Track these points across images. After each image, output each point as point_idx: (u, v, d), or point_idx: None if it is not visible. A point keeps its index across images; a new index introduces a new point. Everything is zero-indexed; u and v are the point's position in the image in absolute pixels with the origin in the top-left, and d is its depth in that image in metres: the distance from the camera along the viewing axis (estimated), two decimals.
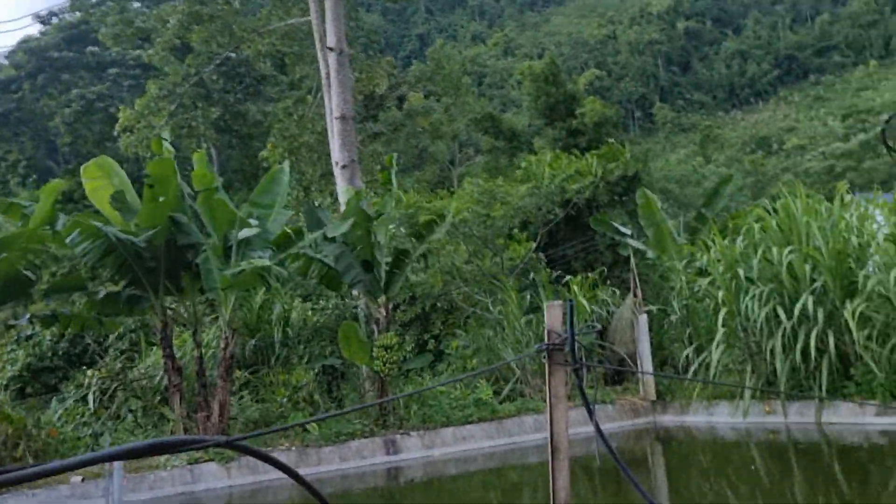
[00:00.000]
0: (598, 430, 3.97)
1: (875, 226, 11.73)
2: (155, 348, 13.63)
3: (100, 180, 10.18)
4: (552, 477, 3.79)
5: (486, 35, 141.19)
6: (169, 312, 10.97)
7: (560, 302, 3.92)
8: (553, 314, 3.88)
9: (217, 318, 12.35)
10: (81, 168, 10.64)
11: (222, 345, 10.57)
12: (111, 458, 1.15)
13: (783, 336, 10.88)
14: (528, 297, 14.22)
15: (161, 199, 9.38)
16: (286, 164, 12.43)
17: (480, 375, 12.60)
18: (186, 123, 24.00)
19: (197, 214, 10.49)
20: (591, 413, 3.87)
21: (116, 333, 17.01)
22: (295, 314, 14.59)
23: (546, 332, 3.88)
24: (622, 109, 79.04)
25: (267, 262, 9.72)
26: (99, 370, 12.68)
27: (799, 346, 10.65)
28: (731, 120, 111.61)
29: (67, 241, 9.46)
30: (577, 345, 3.95)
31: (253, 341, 13.43)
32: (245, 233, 10.17)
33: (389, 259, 12.09)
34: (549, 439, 3.82)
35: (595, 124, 31.66)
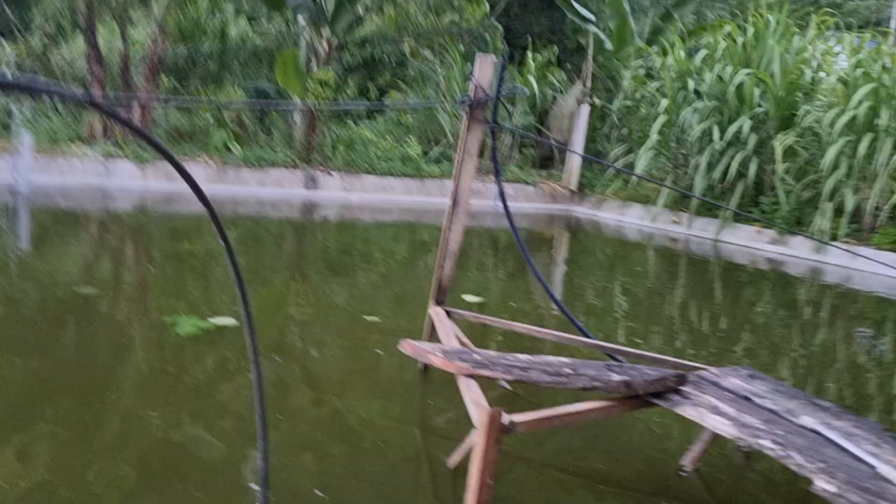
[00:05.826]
0: (502, 193, 4.05)
1: (836, 66, 11.62)
2: (81, 35, 12.82)
3: None
4: (447, 227, 3.88)
5: None
6: None
7: (493, 57, 3.76)
8: (483, 68, 3.74)
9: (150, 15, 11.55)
10: None
11: (150, 44, 9.99)
12: None
13: (711, 154, 11.14)
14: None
15: None
16: None
17: (398, 108, 12.60)
18: None
19: None
20: (497, 173, 3.91)
21: (43, 15, 15.79)
22: (235, 31, 13.80)
23: (472, 86, 3.77)
24: None
25: None
26: (18, 46, 11.95)
27: (722, 166, 10.97)
28: None
29: None
30: (500, 106, 3.87)
31: (185, 49, 12.76)
32: None
33: None
34: (452, 191, 3.87)
35: None
